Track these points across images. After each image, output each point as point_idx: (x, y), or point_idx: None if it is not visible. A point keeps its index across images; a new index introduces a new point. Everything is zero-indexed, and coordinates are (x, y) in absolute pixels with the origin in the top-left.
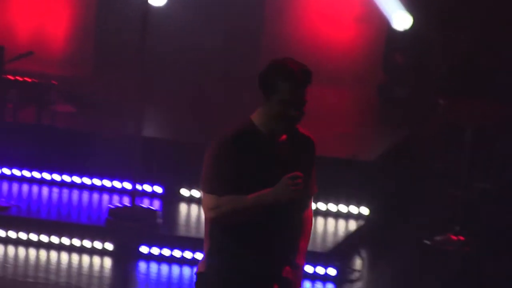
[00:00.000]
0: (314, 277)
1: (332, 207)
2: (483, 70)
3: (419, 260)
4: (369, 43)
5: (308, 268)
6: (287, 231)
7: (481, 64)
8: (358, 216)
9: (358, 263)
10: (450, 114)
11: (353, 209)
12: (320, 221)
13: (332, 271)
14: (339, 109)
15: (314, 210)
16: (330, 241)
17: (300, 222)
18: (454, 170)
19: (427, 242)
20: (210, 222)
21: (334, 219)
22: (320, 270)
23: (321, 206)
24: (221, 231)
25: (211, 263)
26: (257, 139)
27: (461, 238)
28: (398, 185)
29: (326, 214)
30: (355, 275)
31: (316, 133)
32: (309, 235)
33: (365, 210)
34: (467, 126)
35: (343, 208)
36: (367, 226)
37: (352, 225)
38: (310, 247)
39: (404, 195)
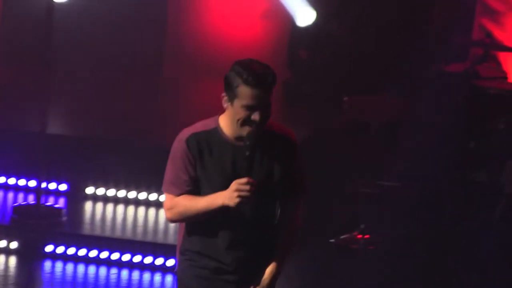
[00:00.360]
0: None
1: None
2: (386, 66)
3: (324, 259)
4: (274, 39)
5: None
6: (260, 234)
7: (383, 60)
8: None
9: None
10: (354, 111)
11: None
12: None
13: None
14: None
15: None
16: None
17: (280, 225)
18: (359, 168)
19: (332, 241)
20: (169, 221)
21: None
22: None
23: None
24: (190, 230)
25: (179, 263)
26: (216, 141)
27: (366, 236)
28: None
29: None
30: None
31: None
32: (291, 239)
33: None
34: (372, 123)
35: None
36: None
37: None
38: None
39: (309, 193)
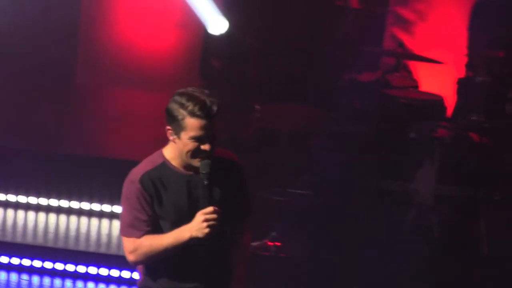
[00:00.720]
0: (120, 281)
1: None
2: (297, 76)
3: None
4: (188, 48)
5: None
6: (222, 260)
7: (295, 69)
8: None
9: None
10: (266, 119)
11: None
12: None
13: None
14: (156, 114)
15: None
16: None
17: (232, 249)
18: (270, 175)
19: None
20: (133, 264)
21: None
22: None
23: None
24: (153, 270)
25: None
26: (168, 175)
27: (278, 244)
28: None
29: None
30: None
31: (133, 138)
32: (246, 261)
33: None
34: (283, 131)
35: None
36: None
37: None
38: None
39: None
